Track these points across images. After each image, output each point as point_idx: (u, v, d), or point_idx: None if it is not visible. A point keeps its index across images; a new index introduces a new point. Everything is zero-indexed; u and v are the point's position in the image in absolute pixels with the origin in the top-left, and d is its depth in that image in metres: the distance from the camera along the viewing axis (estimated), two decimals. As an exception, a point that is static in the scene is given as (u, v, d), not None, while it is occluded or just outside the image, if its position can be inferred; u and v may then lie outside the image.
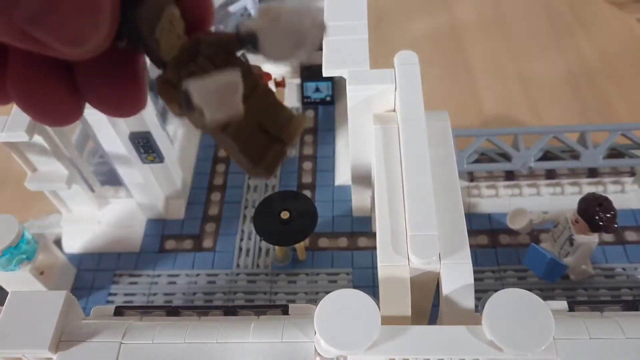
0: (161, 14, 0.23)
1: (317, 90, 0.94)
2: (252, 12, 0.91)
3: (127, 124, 0.71)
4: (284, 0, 0.25)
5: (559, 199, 0.80)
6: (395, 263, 0.50)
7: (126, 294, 0.78)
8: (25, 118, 0.65)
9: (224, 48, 0.26)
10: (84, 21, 0.19)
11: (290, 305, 0.52)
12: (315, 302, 0.45)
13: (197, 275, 0.78)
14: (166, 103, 0.26)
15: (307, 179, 0.88)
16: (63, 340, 0.46)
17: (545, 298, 0.44)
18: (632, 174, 0.81)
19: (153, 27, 0.23)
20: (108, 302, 0.77)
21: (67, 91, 0.23)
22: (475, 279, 0.49)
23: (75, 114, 0.23)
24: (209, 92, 0.23)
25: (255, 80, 0.27)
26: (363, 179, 0.74)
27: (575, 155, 0.78)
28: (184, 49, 0.25)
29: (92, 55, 0.21)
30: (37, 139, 0.68)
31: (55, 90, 0.22)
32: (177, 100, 0.25)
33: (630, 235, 0.78)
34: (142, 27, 0.22)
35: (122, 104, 0.25)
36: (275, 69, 0.92)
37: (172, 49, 0.24)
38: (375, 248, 0.53)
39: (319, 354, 0.45)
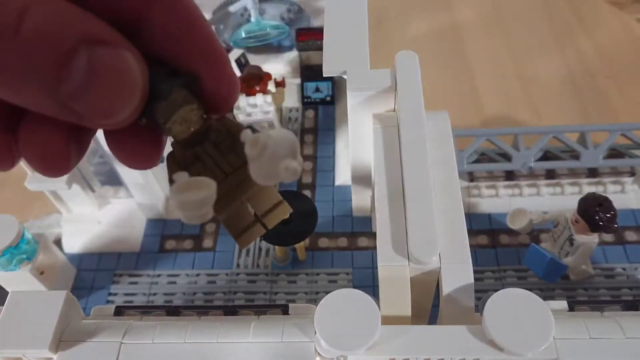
0: (174, 112, 0.26)
1: (317, 90, 0.94)
2: (252, 12, 0.90)
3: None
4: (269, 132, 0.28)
5: (558, 199, 0.80)
6: (395, 263, 0.50)
7: (126, 294, 0.78)
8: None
9: (232, 136, 0.28)
10: (119, 96, 0.22)
11: (291, 305, 0.52)
12: (315, 302, 0.45)
13: (197, 275, 0.78)
14: (168, 175, 0.28)
15: (307, 179, 0.88)
16: (63, 340, 0.46)
17: (545, 298, 0.44)
18: (632, 174, 0.81)
19: (166, 120, 0.26)
20: (108, 302, 0.77)
21: (74, 148, 0.25)
22: (475, 279, 0.49)
23: (76, 163, 0.26)
24: (185, 202, 0.26)
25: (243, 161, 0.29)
26: (363, 179, 0.74)
27: (575, 155, 0.78)
28: (194, 134, 0.27)
29: (120, 127, 0.24)
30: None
31: (66, 148, 0.25)
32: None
33: (630, 235, 0.78)
34: (158, 118, 0.25)
35: (139, 161, 0.28)
36: (275, 69, 0.92)
37: (183, 134, 0.27)
38: (375, 248, 0.53)
39: (319, 353, 0.45)
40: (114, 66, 0.22)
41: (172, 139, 0.28)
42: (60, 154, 0.25)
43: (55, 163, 0.25)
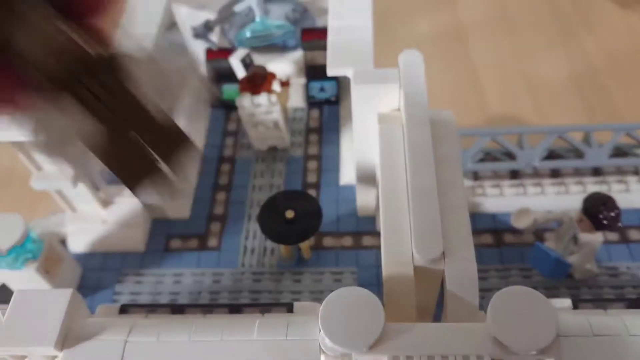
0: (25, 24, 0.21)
1: (322, 89, 0.94)
2: (257, 12, 0.91)
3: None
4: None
5: (563, 198, 0.80)
6: (399, 262, 0.50)
7: (131, 293, 0.78)
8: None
9: (115, 64, 0.24)
10: None
11: (295, 303, 0.53)
12: (320, 300, 0.45)
13: (202, 274, 0.79)
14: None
15: (312, 178, 0.88)
16: (68, 338, 0.46)
17: (549, 296, 0.44)
18: (636, 173, 0.81)
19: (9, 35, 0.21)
20: (113, 301, 0.77)
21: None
22: (480, 278, 0.49)
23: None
24: (44, 143, 0.23)
25: (134, 96, 0.25)
26: (368, 178, 0.75)
27: (579, 155, 0.78)
28: (65, 65, 0.22)
29: None
30: (43, 138, 0.68)
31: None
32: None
33: (634, 234, 0.78)
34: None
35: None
36: (280, 69, 0.92)
37: (47, 58, 0.22)
38: (379, 247, 0.53)
39: (323, 351, 0.45)
40: None
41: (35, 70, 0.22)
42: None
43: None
